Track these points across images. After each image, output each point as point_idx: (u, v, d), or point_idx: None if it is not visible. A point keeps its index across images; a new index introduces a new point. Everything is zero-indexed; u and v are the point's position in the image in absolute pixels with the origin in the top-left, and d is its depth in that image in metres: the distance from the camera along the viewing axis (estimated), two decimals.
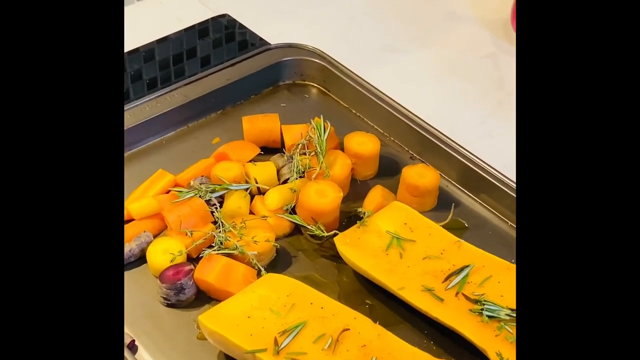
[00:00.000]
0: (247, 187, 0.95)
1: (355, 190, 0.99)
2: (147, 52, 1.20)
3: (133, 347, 0.82)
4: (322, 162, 0.96)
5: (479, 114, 1.12)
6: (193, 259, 0.89)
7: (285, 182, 0.97)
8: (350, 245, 0.89)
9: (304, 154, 0.98)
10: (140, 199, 0.94)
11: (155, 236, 0.92)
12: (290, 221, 0.93)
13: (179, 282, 0.85)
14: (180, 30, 1.23)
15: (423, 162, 1.02)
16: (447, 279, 0.85)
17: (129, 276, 0.89)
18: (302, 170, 0.97)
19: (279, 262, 0.91)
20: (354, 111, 1.10)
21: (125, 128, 1.02)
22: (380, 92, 1.08)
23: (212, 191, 0.94)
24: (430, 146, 1.02)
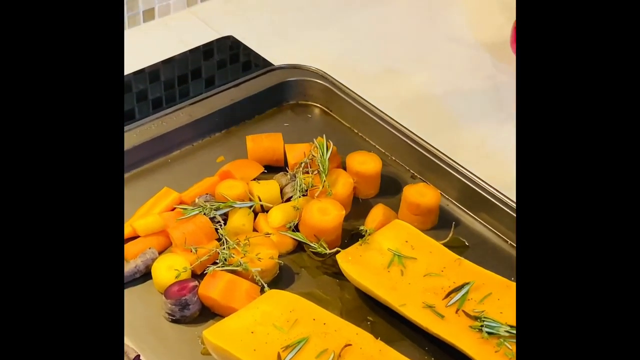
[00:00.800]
0: (250, 204, 0.96)
1: (357, 208, 1.00)
2: (152, 72, 1.21)
3: None
4: (324, 181, 0.97)
5: (479, 135, 1.13)
6: (197, 275, 0.90)
7: (288, 200, 0.98)
8: (352, 263, 0.90)
9: (307, 172, 0.99)
10: (146, 216, 0.95)
11: (160, 253, 0.92)
12: (293, 238, 0.94)
13: (184, 298, 0.86)
14: (185, 51, 1.24)
15: (424, 181, 1.03)
16: (447, 296, 0.86)
17: (134, 292, 0.90)
18: (305, 188, 0.97)
19: (282, 279, 0.92)
20: (355, 131, 1.11)
21: (131, 147, 1.03)
22: (382, 112, 1.09)
23: (217, 209, 0.94)
24: (431, 166, 1.03)
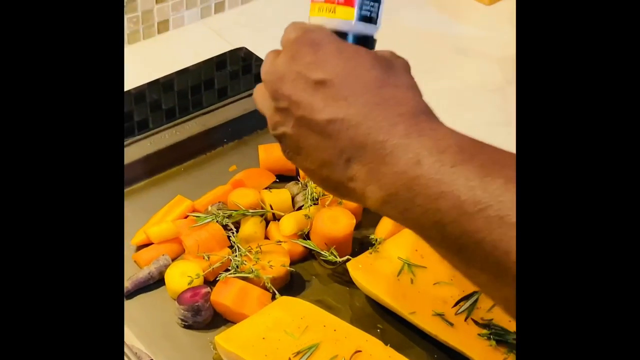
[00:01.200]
0: (262, 213, 0.97)
1: (368, 217, 1.00)
2: (166, 82, 1.22)
3: None
4: None
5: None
6: (210, 282, 0.91)
7: (299, 208, 0.99)
8: (363, 271, 0.90)
9: None
10: (159, 223, 0.96)
11: (173, 259, 0.93)
12: (304, 247, 0.95)
13: (197, 304, 0.86)
14: (199, 62, 1.25)
15: None
16: (456, 304, 0.86)
17: (148, 298, 0.91)
18: (316, 197, 0.98)
19: (293, 286, 0.93)
20: None
21: (144, 155, 1.05)
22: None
23: (229, 216, 0.95)
24: None
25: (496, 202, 0.54)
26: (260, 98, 0.69)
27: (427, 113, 0.63)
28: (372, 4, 0.70)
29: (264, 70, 0.68)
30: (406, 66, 0.68)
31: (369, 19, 0.70)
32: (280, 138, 0.67)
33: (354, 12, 0.69)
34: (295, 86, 0.64)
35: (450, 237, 0.57)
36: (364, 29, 0.70)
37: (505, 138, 1.15)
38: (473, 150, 0.58)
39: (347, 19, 0.69)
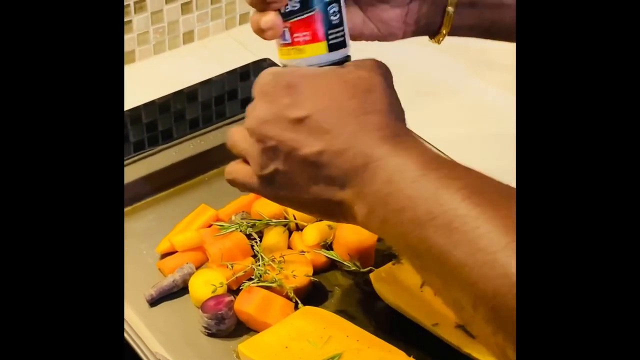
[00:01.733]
0: (285, 222, 0.97)
1: None
2: (190, 93, 1.23)
3: None
4: None
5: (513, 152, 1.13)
6: (233, 291, 0.91)
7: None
8: (386, 282, 0.90)
9: None
10: (184, 232, 0.96)
11: (197, 268, 0.94)
12: (327, 257, 0.95)
13: (220, 312, 0.87)
14: (223, 73, 1.26)
15: None
16: None
17: (172, 305, 0.91)
18: None
19: (316, 296, 0.93)
20: None
21: (169, 164, 1.05)
22: (414, 133, 1.09)
23: (253, 226, 0.96)
24: None
25: (444, 211, 0.59)
26: (242, 141, 0.72)
27: (404, 134, 0.68)
28: (337, 30, 0.71)
29: (247, 120, 0.71)
30: (385, 80, 0.71)
31: (339, 44, 0.71)
32: (272, 176, 0.70)
33: (324, 45, 0.71)
34: (279, 126, 0.67)
35: (410, 246, 0.63)
36: (337, 55, 0.72)
37: (498, 152, 1.15)
38: (435, 165, 0.63)
39: (318, 54, 0.71)
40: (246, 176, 0.72)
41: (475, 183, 0.62)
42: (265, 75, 0.71)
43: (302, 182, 0.69)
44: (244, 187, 0.74)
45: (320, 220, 0.99)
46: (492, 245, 0.57)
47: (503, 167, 1.10)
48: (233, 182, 0.75)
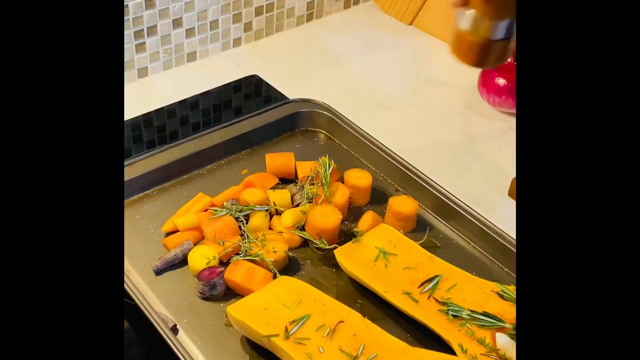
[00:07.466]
0: (267, 208, 0.97)
1: (352, 214, 1.01)
2: (193, 102, 1.23)
3: (175, 330, 0.84)
4: (326, 191, 0.98)
5: (451, 159, 1.14)
6: (224, 263, 0.91)
7: (297, 205, 0.99)
8: (347, 257, 0.91)
9: (313, 184, 1.00)
10: (185, 215, 0.96)
11: (195, 244, 0.93)
12: (300, 236, 0.95)
13: (212, 280, 0.87)
14: (219, 86, 1.26)
15: (405, 194, 1.04)
16: (421, 285, 0.87)
17: (174, 275, 0.91)
18: (311, 197, 0.99)
19: (290, 268, 0.93)
20: (352, 152, 1.12)
21: (174, 160, 1.05)
22: (374, 138, 1.10)
23: (240, 211, 0.96)
24: (411, 182, 1.04)
25: None
26: None
27: None
28: None
29: None
30: None
31: None
32: None
33: None
34: None
35: None
36: None
37: (465, 152, 1.15)
38: None
39: None
40: None
41: None
42: None
43: None
44: None
45: (295, 207, 0.99)
46: None
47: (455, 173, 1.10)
48: None
